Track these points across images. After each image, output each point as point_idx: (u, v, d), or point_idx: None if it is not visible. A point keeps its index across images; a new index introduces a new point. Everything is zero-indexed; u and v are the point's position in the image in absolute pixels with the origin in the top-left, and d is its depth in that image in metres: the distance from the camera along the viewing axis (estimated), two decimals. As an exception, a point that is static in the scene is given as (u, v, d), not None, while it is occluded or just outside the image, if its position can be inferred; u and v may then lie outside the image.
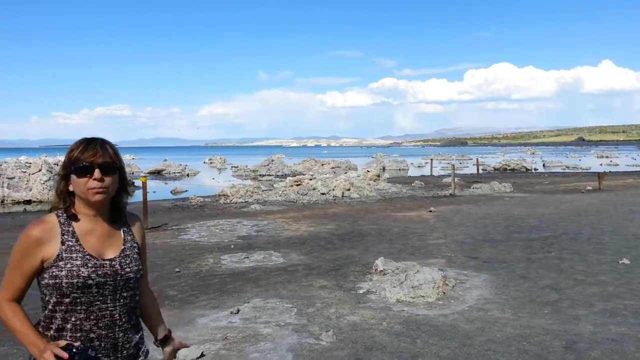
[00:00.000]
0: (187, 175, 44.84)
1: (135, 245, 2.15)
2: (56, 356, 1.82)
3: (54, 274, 1.94)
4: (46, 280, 1.97)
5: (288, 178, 26.13)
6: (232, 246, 10.74)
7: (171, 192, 27.57)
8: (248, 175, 42.72)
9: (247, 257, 9.54)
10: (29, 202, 23.51)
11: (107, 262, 2.02)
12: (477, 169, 36.67)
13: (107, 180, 2.00)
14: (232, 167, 55.24)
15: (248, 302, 6.71)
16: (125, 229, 2.16)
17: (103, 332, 1.99)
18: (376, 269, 7.80)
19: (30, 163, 25.70)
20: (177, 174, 44.93)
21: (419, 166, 56.31)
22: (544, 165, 53.03)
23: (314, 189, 22.40)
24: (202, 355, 4.94)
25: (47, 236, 1.97)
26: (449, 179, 25.12)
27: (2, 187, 24.09)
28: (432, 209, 16.15)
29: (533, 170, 44.75)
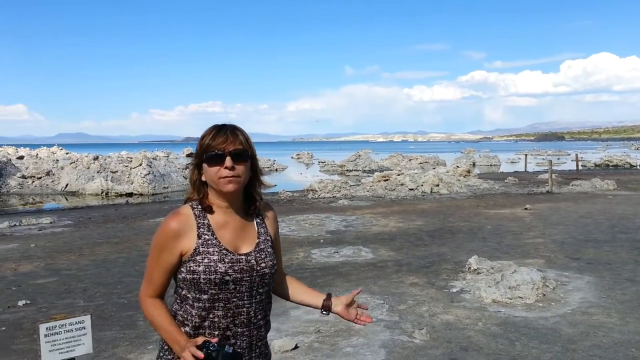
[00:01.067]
0: (276, 170, 45.79)
1: (268, 238, 2.05)
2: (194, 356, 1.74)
3: (192, 268, 1.87)
4: (183, 275, 1.89)
5: (375, 173, 26.02)
6: (322, 241, 10.84)
7: (261, 186, 28.23)
8: (335, 171, 43.01)
9: (337, 252, 9.59)
10: (130, 194, 24.99)
11: (243, 257, 1.92)
12: (577, 165, 34.77)
13: (239, 168, 1.90)
14: (319, 162, 55.79)
15: (339, 297, 6.73)
16: (259, 220, 2.06)
17: (239, 330, 1.91)
18: (469, 268, 7.58)
19: (131, 158, 27.35)
20: (266, 169, 45.97)
21: (511, 162, 54.19)
22: (650, 161, 49.42)
23: (402, 184, 22.17)
24: (296, 347, 5.01)
25: (184, 228, 1.89)
26: (545, 176, 23.98)
27: (107, 180, 25.81)
28: (527, 206, 15.48)
29: (638, 167, 41.83)
